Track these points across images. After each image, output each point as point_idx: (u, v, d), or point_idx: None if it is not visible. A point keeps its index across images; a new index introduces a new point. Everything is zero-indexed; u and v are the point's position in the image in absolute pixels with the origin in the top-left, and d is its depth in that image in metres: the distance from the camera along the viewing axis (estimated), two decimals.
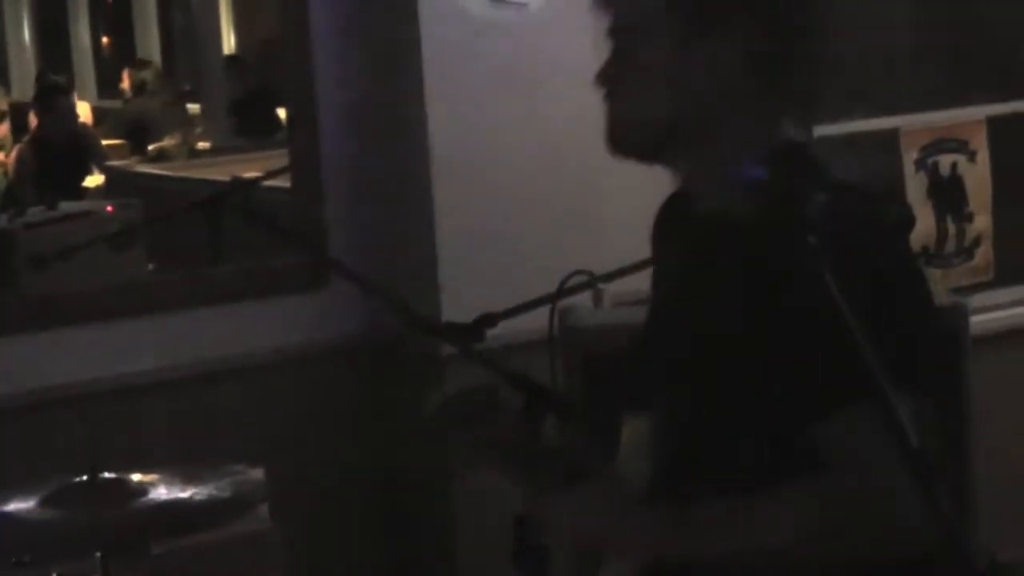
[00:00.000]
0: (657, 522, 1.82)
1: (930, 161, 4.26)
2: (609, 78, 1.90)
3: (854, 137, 4.13)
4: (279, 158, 4.36)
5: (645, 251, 2.11)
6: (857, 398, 1.64)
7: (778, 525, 1.71)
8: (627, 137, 1.90)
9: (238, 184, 4.13)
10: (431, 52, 3.55)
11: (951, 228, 4.27)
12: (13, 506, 2.18)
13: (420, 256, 3.65)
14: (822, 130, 3.73)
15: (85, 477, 2.24)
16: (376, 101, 3.76)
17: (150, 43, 6.68)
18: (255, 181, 3.98)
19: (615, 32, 1.90)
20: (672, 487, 1.84)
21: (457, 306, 3.56)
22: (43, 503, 2.17)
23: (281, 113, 6.14)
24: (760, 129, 1.85)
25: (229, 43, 6.83)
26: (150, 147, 5.93)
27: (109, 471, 2.29)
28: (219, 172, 5.14)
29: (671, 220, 2.04)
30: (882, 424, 1.52)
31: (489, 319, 2.49)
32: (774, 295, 1.71)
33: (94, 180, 5.37)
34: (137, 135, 6.07)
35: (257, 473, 2.44)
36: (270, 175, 3.95)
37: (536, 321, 2.55)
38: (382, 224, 3.77)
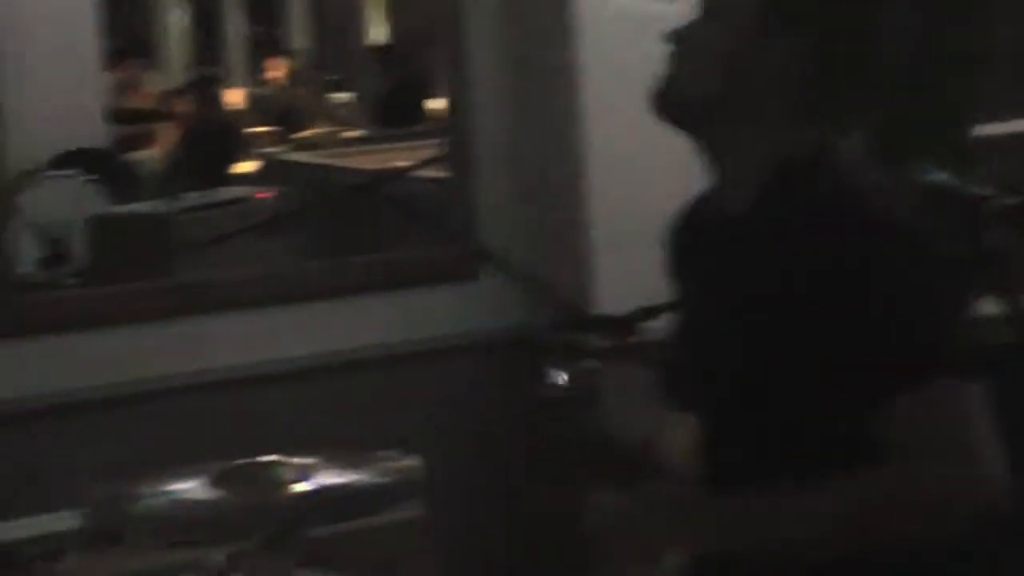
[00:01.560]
0: (726, 515, 1.82)
1: None
2: (680, 39, 1.91)
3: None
4: (427, 148, 4.41)
5: None
6: (928, 381, 1.65)
7: (846, 512, 1.71)
8: (675, 100, 1.91)
9: (390, 173, 4.20)
10: (587, 41, 3.56)
11: None
12: (180, 487, 2.23)
13: (573, 249, 3.66)
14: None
15: (247, 460, 2.28)
16: (530, 91, 3.78)
17: (300, 32, 6.77)
18: (406, 170, 4.06)
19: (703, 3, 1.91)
20: (737, 481, 1.84)
21: (609, 300, 3.58)
22: (208, 485, 2.22)
23: (427, 103, 6.20)
24: (811, 131, 1.85)
25: (378, 32, 6.91)
26: (299, 135, 6.02)
27: (268, 455, 2.33)
28: (367, 161, 5.19)
29: (702, 221, 2.02)
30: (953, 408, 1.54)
31: (648, 312, 2.50)
32: (844, 285, 1.71)
33: (245, 167, 5.47)
34: (287, 123, 6.17)
35: (413, 461, 2.46)
36: (422, 165, 4.02)
37: None
38: (534, 215, 3.78)
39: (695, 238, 2.03)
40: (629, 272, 3.49)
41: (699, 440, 1.95)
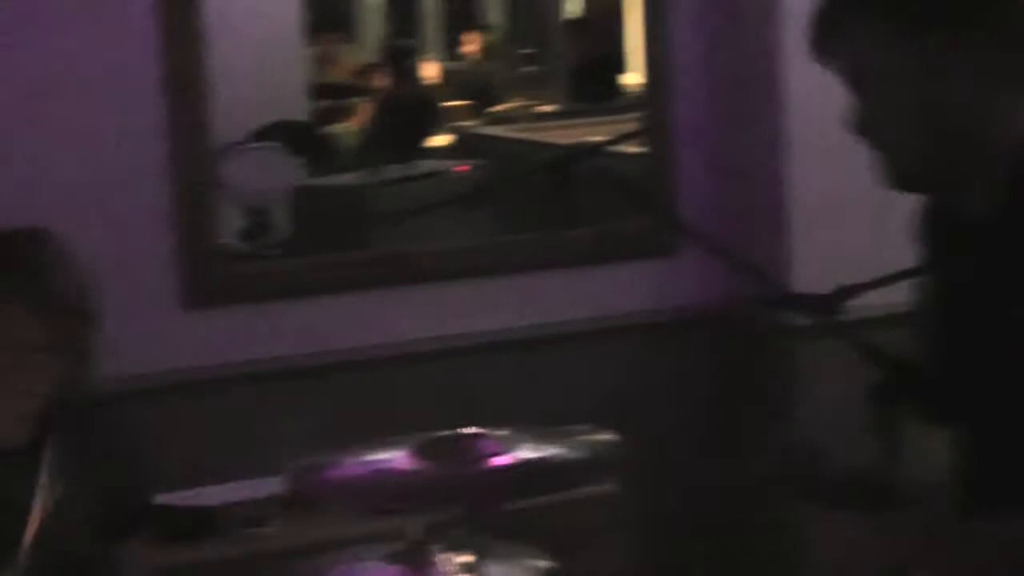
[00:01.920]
0: (982, 540, 1.76)
1: None
2: (863, 127, 1.84)
3: None
4: (621, 123, 4.38)
5: None
6: None
7: None
8: (910, 184, 1.85)
9: (587, 148, 4.18)
10: (790, 18, 3.51)
11: None
12: (382, 457, 2.25)
13: (773, 225, 3.62)
14: None
15: (447, 432, 2.30)
16: (730, 67, 3.74)
17: (495, 6, 6.79)
18: (602, 145, 4.03)
19: (851, 76, 1.84)
20: (996, 501, 1.77)
21: (810, 278, 3.52)
22: (411, 455, 2.23)
23: (620, 78, 6.18)
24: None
25: (573, 6, 6.90)
26: (494, 109, 6.04)
27: (467, 427, 2.34)
28: (561, 135, 5.19)
29: (949, 220, 1.95)
30: None
31: (850, 291, 2.44)
32: None
33: (440, 141, 5.51)
34: (481, 97, 6.20)
35: (609, 436, 2.45)
36: (619, 139, 3.97)
37: (894, 295, 2.49)
38: (733, 190, 3.74)
39: (944, 237, 1.97)
40: (830, 249, 3.44)
41: (953, 457, 1.89)
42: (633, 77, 4.96)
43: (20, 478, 2.61)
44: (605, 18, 6.58)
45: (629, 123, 4.17)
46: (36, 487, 2.62)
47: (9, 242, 2.65)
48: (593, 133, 4.52)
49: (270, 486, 3.04)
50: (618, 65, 6.06)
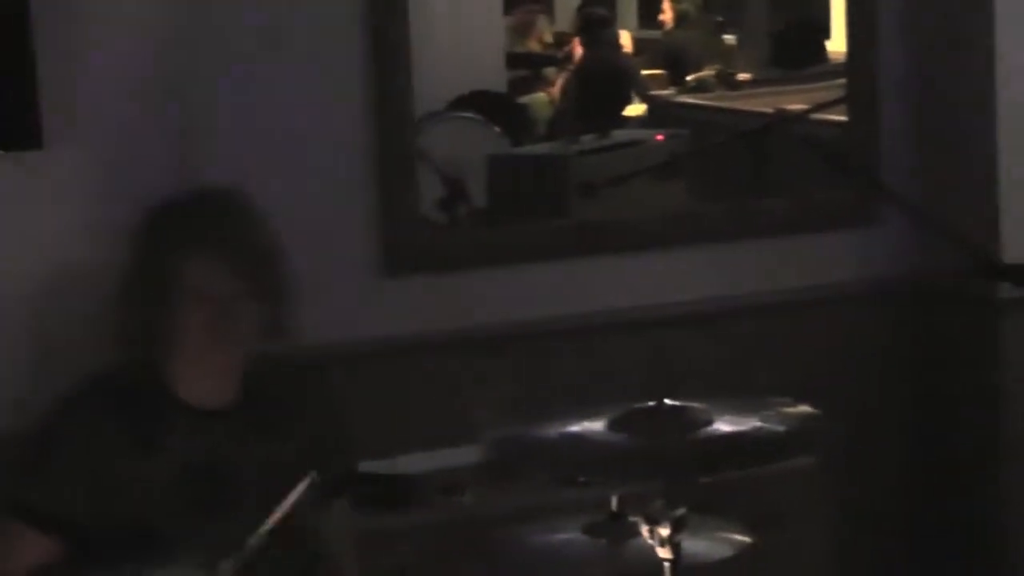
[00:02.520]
0: None
1: None
2: None
3: None
4: (821, 90, 4.29)
5: None
6: None
7: None
8: None
9: (787, 116, 4.11)
10: None
11: None
12: (580, 427, 2.24)
13: (982, 193, 3.53)
14: None
15: (645, 404, 2.27)
16: (937, 31, 3.65)
17: None
18: (803, 113, 3.96)
19: None
20: None
21: (1017, 248, 3.42)
22: (609, 426, 2.22)
23: (824, 43, 6.05)
24: None
25: None
26: (688, 78, 5.96)
27: (666, 399, 2.31)
28: (758, 104, 5.10)
29: None
30: None
31: None
32: None
33: (635, 110, 5.47)
34: (676, 66, 6.13)
35: (809, 409, 2.41)
36: (821, 107, 3.91)
37: None
38: (939, 157, 3.66)
39: None
40: None
41: None
42: (833, 43, 4.85)
43: (230, 438, 2.67)
44: None
45: (827, 91, 4.07)
46: (246, 447, 2.68)
47: (208, 199, 2.71)
48: (791, 101, 4.43)
49: (468, 454, 3.07)
50: (824, 29, 5.94)
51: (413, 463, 3.09)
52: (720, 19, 7.42)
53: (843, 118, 3.74)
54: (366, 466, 2.96)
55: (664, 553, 2.18)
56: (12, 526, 2.60)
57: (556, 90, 5.62)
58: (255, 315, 2.64)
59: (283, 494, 2.68)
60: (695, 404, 2.31)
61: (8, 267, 2.99)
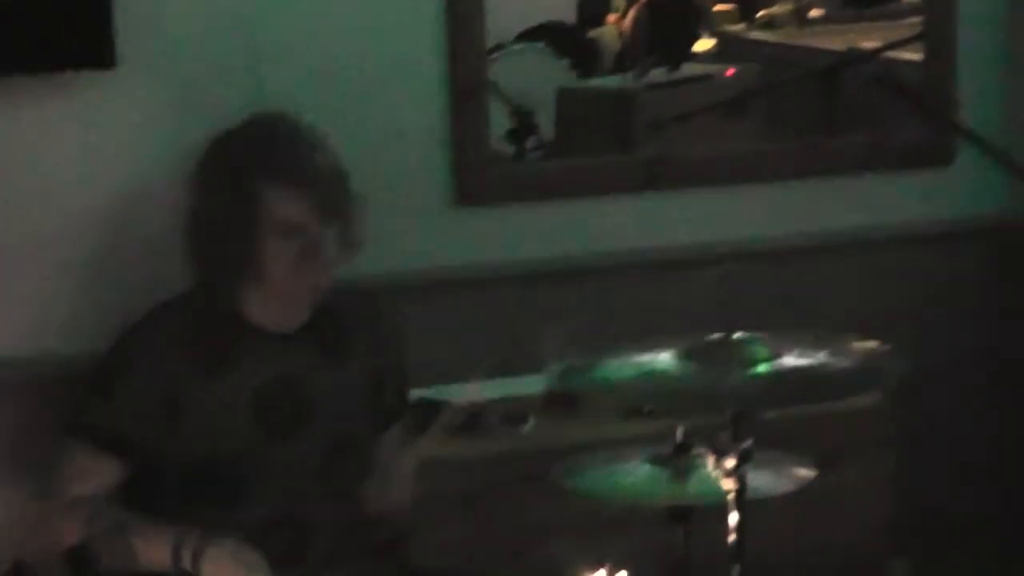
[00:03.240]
0: None
1: None
2: None
3: None
4: (894, 28, 4.23)
5: None
6: None
7: None
8: None
9: (861, 53, 4.06)
10: None
11: None
12: (648, 358, 2.25)
13: None
14: None
15: (714, 336, 2.27)
16: None
17: None
18: (880, 50, 3.91)
19: None
20: None
21: None
22: (677, 358, 2.22)
23: None
24: None
25: None
26: (760, 13, 5.90)
27: (734, 333, 2.31)
28: (830, 41, 5.04)
29: None
30: None
31: None
32: None
33: (704, 45, 5.41)
34: (747, 1, 6.06)
35: (878, 346, 2.40)
36: (898, 44, 3.86)
37: None
38: (1015, 98, 3.62)
39: None
40: None
41: None
42: None
43: (300, 361, 2.70)
44: None
45: (902, 29, 4.02)
46: (315, 370, 2.71)
47: (283, 127, 2.71)
48: (864, 39, 4.38)
49: (533, 384, 3.08)
50: None
51: (478, 391, 3.10)
52: None
53: (918, 56, 3.69)
54: (430, 393, 2.98)
55: (728, 485, 2.19)
56: (83, 449, 2.64)
57: (626, 23, 5.58)
58: (334, 243, 2.65)
59: (346, 416, 2.72)
60: (763, 338, 2.31)
61: (80, 187, 3.00)
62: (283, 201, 2.58)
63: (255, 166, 2.61)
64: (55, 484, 2.66)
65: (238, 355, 2.66)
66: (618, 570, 2.12)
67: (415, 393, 2.95)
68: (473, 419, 3.04)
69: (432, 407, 2.97)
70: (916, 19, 3.78)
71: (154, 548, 2.50)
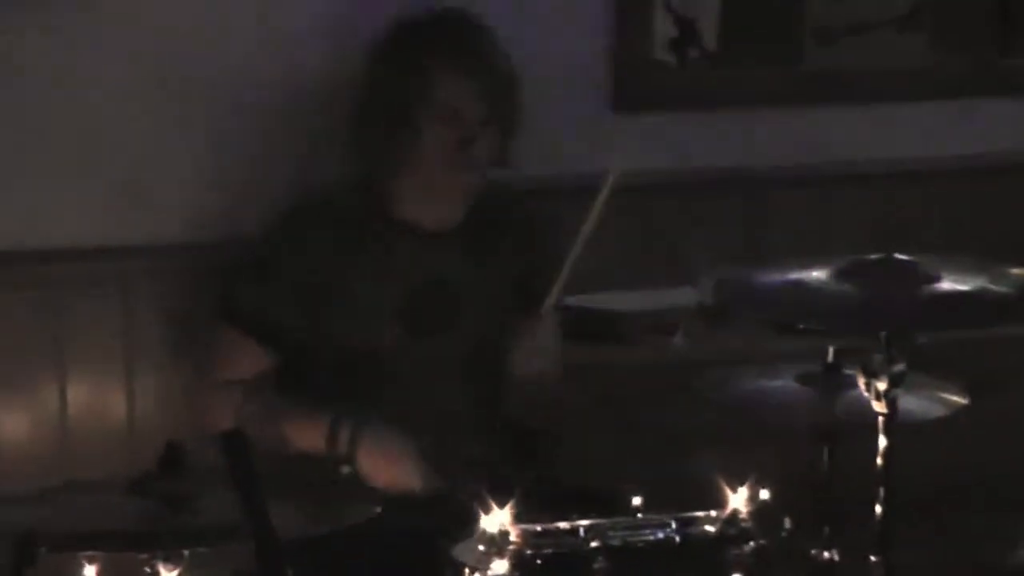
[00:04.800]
0: None
1: None
2: None
3: None
4: None
5: None
6: None
7: None
8: None
9: None
10: None
11: None
12: (803, 275, 2.21)
13: None
14: None
15: (877, 256, 2.23)
16: None
17: None
18: None
19: None
20: None
21: None
22: (833, 276, 2.18)
23: None
24: None
25: None
26: None
27: (894, 252, 2.26)
28: None
29: None
30: None
31: None
32: None
33: None
34: None
35: None
36: None
37: None
38: None
39: None
40: None
41: None
42: None
43: (450, 259, 2.71)
44: None
45: None
46: (465, 268, 2.72)
47: (455, 19, 2.72)
48: None
49: (684, 296, 3.06)
50: None
51: (628, 300, 3.09)
52: None
53: None
54: (582, 299, 2.97)
55: (879, 407, 2.15)
56: (234, 334, 2.68)
57: None
58: (496, 141, 2.65)
59: (492, 316, 2.72)
60: (922, 259, 2.26)
61: (242, 77, 2.99)
62: (453, 85, 2.60)
63: (433, 47, 2.64)
64: (208, 368, 2.72)
65: (389, 253, 2.68)
66: (761, 487, 2.09)
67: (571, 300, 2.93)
68: (623, 326, 3.04)
69: (583, 314, 2.97)
70: None
71: (308, 433, 2.55)
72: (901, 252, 2.25)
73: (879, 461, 2.17)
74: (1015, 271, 2.30)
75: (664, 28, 3.52)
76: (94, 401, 2.93)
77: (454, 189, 2.66)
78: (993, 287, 2.25)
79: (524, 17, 3.07)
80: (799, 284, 2.21)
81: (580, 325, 2.96)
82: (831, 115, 3.44)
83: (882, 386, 2.14)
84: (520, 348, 2.67)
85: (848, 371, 2.30)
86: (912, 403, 2.30)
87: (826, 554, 2.24)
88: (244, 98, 2.99)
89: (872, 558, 2.12)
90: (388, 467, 2.50)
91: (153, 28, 2.93)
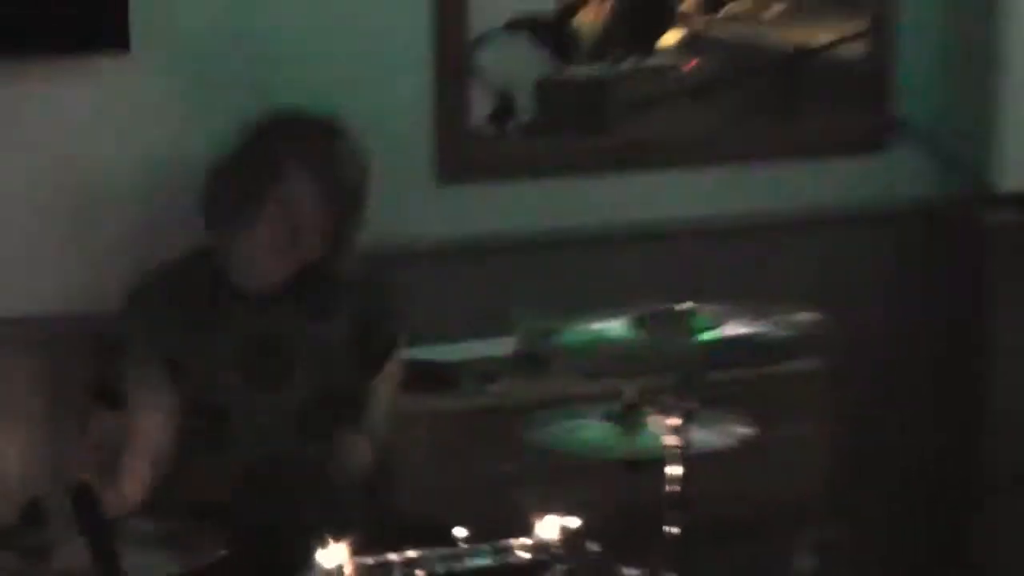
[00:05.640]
0: None
1: None
2: None
3: None
4: (847, 23, 4.23)
5: None
6: None
7: None
8: None
9: (811, 48, 4.06)
10: None
11: None
12: (602, 325, 2.28)
13: (985, 125, 3.51)
14: None
15: (664, 306, 2.30)
16: None
17: None
18: (828, 46, 3.91)
19: None
20: None
21: (1017, 178, 3.39)
22: (629, 325, 2.25)
23: None
24: None
25: None
26: (723, 9, 5.89)
27: (683, 303, 2.34)
28: (789, 35, 5.03)
29: None
30: None
31: None
32: None
33: (673, 36, 5.40)
34: None
35: (816, 317, 2.42)
36: (845, 40, 3.86)
37: None
38: (949, 91, 3.63)
39: None
40: None
41: None
42: None
43: (281, 318, 2.73)
44: None
45: (850, 25, 4.01)
46: (298, 327, 2.74)
47: (310, 121, 2.74)
48: (823, 32, 4.37)
49: (502, 346, 3.11)
50: None
51: (448, 352, 3.12)
52: None
53: (864, 50, 3.71)
54: (413, 352, 3.00)
55: (673, 441, 2.23)
56: (98, 406, 2.70)
57: (601, 16, 5.56)
58: (331, 228, 2.68)
59: (330, 367, 2.73)
60: (708, 308, 2.34)
61: (99, 163, 3.01)
62: (295, 181, 2.62)
63: (282, 142, 2.67)
64: (81, 435, 2.73)
65: (224, 314, 2.70)
66: (570, 516, 2.15)
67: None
68: (449, 376, 3.06)
69: (416, 365, 2.99)
70: (864, 17, 3.78)
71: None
72: (689, 302, 2.33)
73: (675, 488, 2.25)
74: (792, 315, 2.39)
75: (483, 101, 3.55)
76: None
77: (283, 262, 2.69)
78: (773, 329, 2.34)
79: (349, 93, 3.08)
80: (600, 333, 2.29)
81: (412, 375, 2.98)
82: (636, 180, 3.51)
83: (675, 422, 2.22)
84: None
85: (645, 410, 2.37)
86: (704, 435, 2.37)
87: (627, 572, 2.27)
88: (105, 181, 3.01)
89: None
90: None
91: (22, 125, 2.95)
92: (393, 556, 2.04)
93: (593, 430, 2.45)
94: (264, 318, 2.71)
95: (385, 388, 2.82)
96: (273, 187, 2.62)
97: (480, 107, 3.50)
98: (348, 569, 2.00)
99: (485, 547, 2.09)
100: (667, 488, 2.27)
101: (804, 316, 2.39)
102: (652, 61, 4.34)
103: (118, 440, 2.64)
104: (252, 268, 2.69)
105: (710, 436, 2.39)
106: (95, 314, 2.85)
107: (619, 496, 2.52)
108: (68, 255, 3.00)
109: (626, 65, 4.27)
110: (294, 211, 2.63)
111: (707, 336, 2.28)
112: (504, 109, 3.71)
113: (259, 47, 3.08)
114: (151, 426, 2.62)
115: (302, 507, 2.61)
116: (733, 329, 2.31)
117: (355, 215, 2.71)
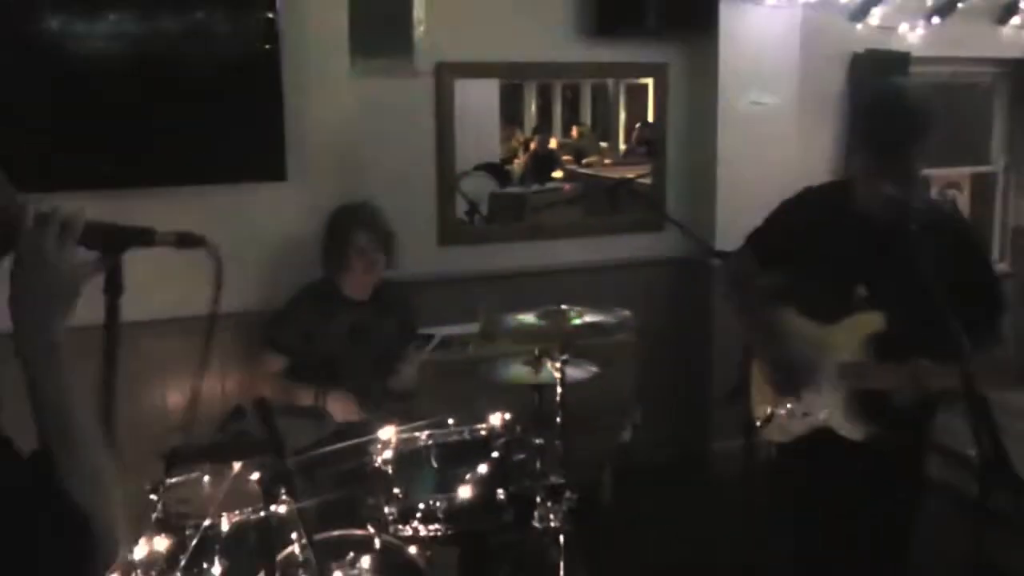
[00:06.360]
0: None
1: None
2: None
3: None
4: (643, 166, 4.21)
5: None
6: None
7: None
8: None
9: (625, 180, 4.07)
10: (724, 132, 3.31)
11: None
12: (523, 316, 2.20)
13: (709, 214, 3.41)
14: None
15: (554, 307, 2.22)
16: (693, 142, 3.50)
17: (586, 113, 6.62)
18: (635, 179, 3.93)
19: None
20: None
21: (727, 241, 3.33)
22: (536, 317, 2.15)
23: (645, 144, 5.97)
24: None
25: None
26: (583, 160, 5.90)
27: (562, 306, 2.24)
28: (614, 172, 5.06)
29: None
30: None
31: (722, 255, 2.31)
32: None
33: (558, 173, 5.42)
34: (578, 155, 6.06)
35: (628, 313, 2.34)
36: (642, 176, 3.86)
37: None
38: (693, 196, 3.52)
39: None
40: (740, 228, 3.27)
41: None
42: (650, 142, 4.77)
43: (367, 315, 2.64)
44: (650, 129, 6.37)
45: (645, 166, 4.00)
46: (374, 320, 2.65)
47: (361, 205, 2.67)
48: (630, 171, 4.37)
49: (472, 328, 3.02)
50: (652, 142, 5.86)
51: (446, 330, 2.92)
52: (602, 143, 7.31)
53: (649, 180, 3.67)
54: (423, 332, 2.81)
55: (558, 375, 2.13)
56: (265, 349, 2.59)
57: (523, 163, 5.58)
58: (383, 261, 2.61)
59: (388, 342, 2.63)
60: (576, 309, 2.25)
61: (279, 238, 2.84)
62: (359, 237, 2.57)
63: (348, 221, 2.60)
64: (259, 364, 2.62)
65: (337, 310, 2.63)
66: (505, 413, 2.06)
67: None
68: (442, 342, 2.90)
69: (422, 338, 2.85)
70: (649, 164, 3.76)
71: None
72: (566, 305, 2.26)
73: (558, 399, 2.15)
74: (617, 312, 2.32)
75: (461, 204, 3.46)
76: None
77: (363, 282, 2.62)
78: (608, 319, 2.29)
79: (391, 197, 2.88)
80: (521, 320, 2.21)
81: (420, 343, 2.77)
82: (539, 244, 3.37)
83: (558, 365, 2.13)
84: (399, 371, 2.62)
85: (545, 359, 2.28)
86: (573, 371, 2.28)
87: (536, 441, 2.15)
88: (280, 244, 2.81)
89: None
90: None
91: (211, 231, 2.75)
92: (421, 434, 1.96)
93: (519, 370, 2.39)
94: (356, 313, 2.64)
95: (412, 353, 2.73)
96: (352, 243, 2.55)
97: (460, 208, 3.43)
98: (393, 437, 1.92)
99: (463, 428, 2.02)
100: (556, 399, 2.20)
101: (623, 312, 2.35)
102: (548, 185, 4.35)
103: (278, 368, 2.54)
104: (350, 286, 2.61)
105: (576, 372, 2.34)
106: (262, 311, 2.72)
107: (530, 404, 2.44)
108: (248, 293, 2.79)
109: (535, 187, 4.26)
110: (367, 255, 2.54)
111: (576, 322, 2.22)
112: (473, 209, 3.67)
113: (356, 176, 2.95)
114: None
115: (380, 401, 2.56)
116: (590, 318, 2.26)
117: (392, 260, 2.62)
